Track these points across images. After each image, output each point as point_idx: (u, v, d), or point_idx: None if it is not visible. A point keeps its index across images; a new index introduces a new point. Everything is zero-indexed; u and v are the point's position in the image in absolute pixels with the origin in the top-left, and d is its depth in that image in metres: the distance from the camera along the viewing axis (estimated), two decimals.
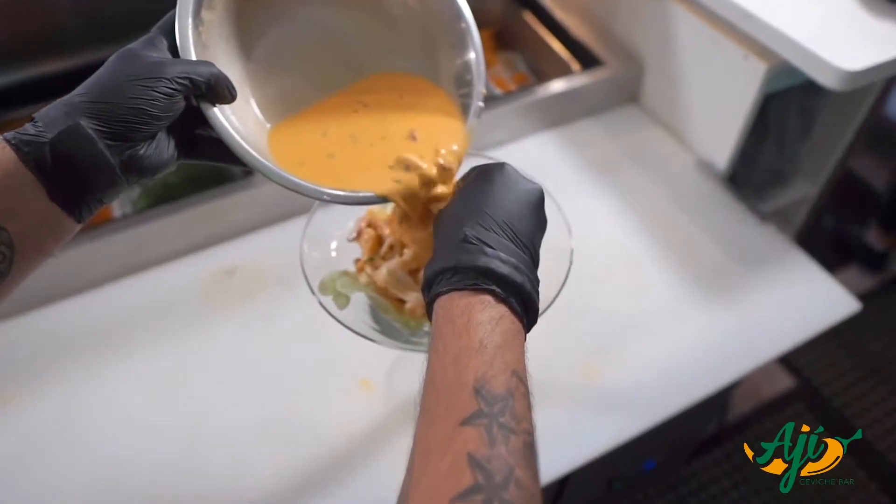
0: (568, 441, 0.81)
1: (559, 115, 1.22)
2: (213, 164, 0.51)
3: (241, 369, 0.89)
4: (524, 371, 0.43)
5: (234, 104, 0.50)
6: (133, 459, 0.80)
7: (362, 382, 0.86)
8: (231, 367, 0.89)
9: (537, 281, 0.47)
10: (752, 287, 0.97)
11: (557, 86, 1.19)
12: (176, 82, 0.43)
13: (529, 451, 0.39)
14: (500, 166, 0.50)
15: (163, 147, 0.45)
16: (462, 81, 0.56)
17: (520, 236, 0.46)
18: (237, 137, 0.47)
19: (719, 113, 1.10)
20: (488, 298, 0.43)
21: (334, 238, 0.69)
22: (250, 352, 0.90)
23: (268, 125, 0.55)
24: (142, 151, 0.44)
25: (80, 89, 0.43)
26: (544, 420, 0.85)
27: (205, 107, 0.46)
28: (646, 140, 1.21)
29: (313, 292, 0.60)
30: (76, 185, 0.42)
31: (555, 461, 0.80)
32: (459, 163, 0.55)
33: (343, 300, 0.60)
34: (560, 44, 1.31)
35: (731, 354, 0.90)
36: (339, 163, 0.53)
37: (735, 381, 0.89)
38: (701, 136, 1.16)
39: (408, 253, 0.61)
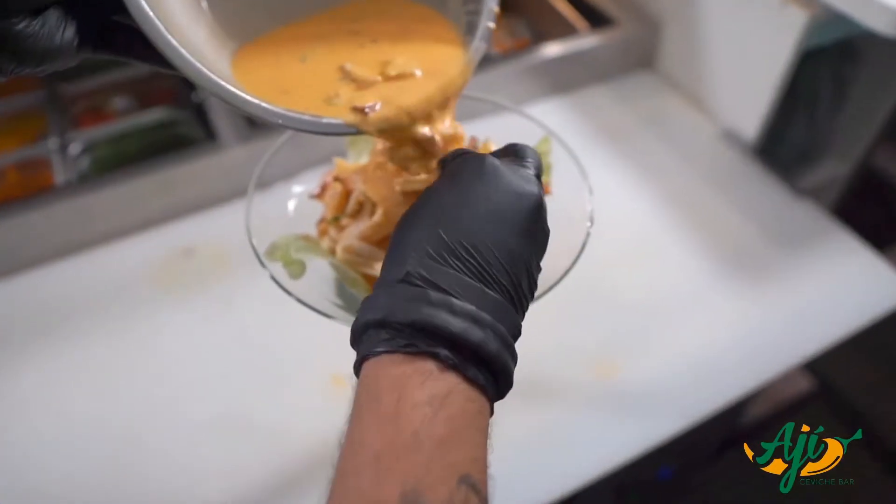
0: (579, 450, 0.69)
1: (565, 79, 1.09)
2: (132, 63, 0.39)
3: (194, 361, 0.76)
4: (483, 472, 0.30)
5: (180, 6, 0.39)
6: (66, 460, 0.68)
7: (334, 378, 0.73)
8: (183, 359, 0.77)
9: (517, 330, 0.34)
10: (789, 270, 0.84)
11: (563, 47, 1.06)
12: None
13: None
14: (478, 161, 0.36)
15: (53, 28, 0.33)
16: None
17: (491, 267, 0.33)
18: (159, 25, 0.35)
19: (749, 75, 0.97)
20: (429, 366, 0.31)
21: (294, 197, 0.56)
22: (206, 342, 0.78)
23: (231, 45, 0.43)
24: (20, 27, 0.31)
25: None
26: (551, 424, 0.71)
27: None
28: (663, 108, 1.08)
29: (259, 259, 0.46)
30: None
31: (563, 475, 0.67)
32: (451, 95, 0.42)
33: (297, 268, 0.47)
34: (568, 4, 1.18)
35: (768, 348, 0.77)
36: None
37: (774, 379, 0.75)
38: (726, 103, 1.03)
39: (378, 214, 0.48)
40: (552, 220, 0.54)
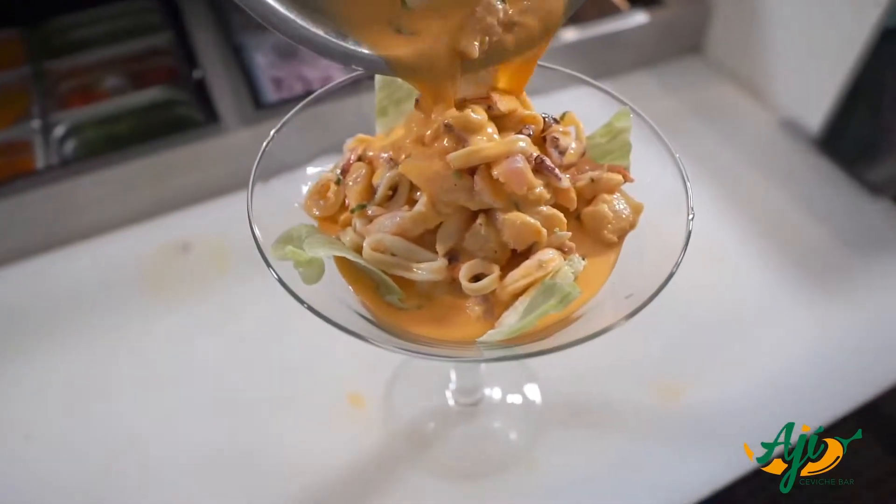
0: (637, 490, 0.58)
1: (605, 63, 0.99)
2: None
3: (188, 376, 0.67)
4: None
5: None
6: (30, 491, 0.58)
7: (351, 398, 0.63)
8: (175, 373, 0.67)
9: None
10: (872, 278, 0.74)
11: (603, 27, 0.96)
12: None
13: None
14: None
15: None
16: None
17: None
18: None
19: (815, 60, 0.86)
20: None
21: (309, 180, 0.45)
22: (203, 353, 0.69)
23: None
24: None
25: None
26: (607, 457, 0.59)
27: None
28: (713, 96, 0.97)
29: (262, 255, 0.36)
30: None
31: None
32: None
33: (313, 270, 0.36)
34: None
35: (849, 369, 0.67)
36: None
37: (858, 407, 0.65)
38: (787, 91, 0.92)
39: (421, 202, 0.37)
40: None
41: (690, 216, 0.38)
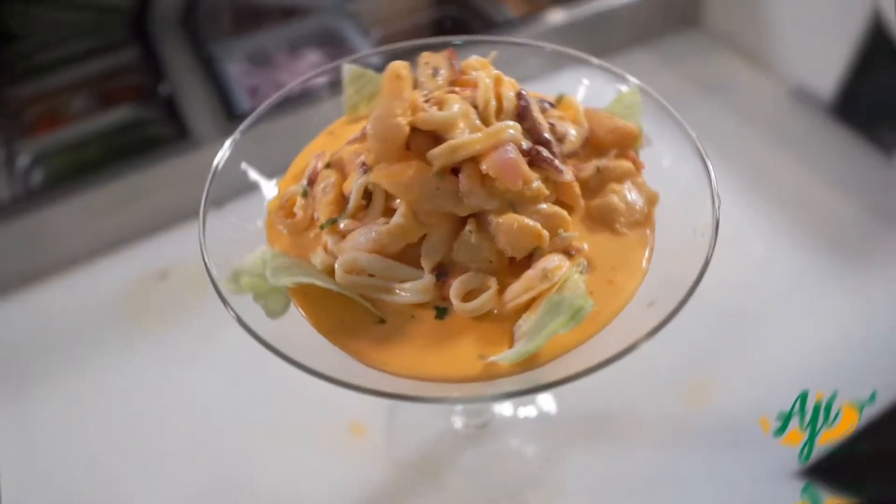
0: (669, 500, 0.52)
1: (599, 42, 0.93)
2: None
3: (174, 410, 0.62)
4: None
5: None
6: None
7: (352, 427, 0.58)
8: (160, 409, 0.62)
9: None
10: None
11: (592, 5, 0.91)
12: None
13: None
14: None
15: None
16: None
17: None
18: None
19: (823, 20, 0.82)
20: None
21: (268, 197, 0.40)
22: (190, 384, 0.64)
23: None
24: None
25: None
26: (632, 475, 0.53)
27: None
28: (717, 69, 0.92)
29: (218, 291, 0.31)
30: None
31: None
32: None
33: (277, 302, 0.31)
34: None
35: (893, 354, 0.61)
36: None
37: None
38: (794, 57, 0.87)
39: (399, 212, 0.32)
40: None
41: (717, 204, 0.32)
